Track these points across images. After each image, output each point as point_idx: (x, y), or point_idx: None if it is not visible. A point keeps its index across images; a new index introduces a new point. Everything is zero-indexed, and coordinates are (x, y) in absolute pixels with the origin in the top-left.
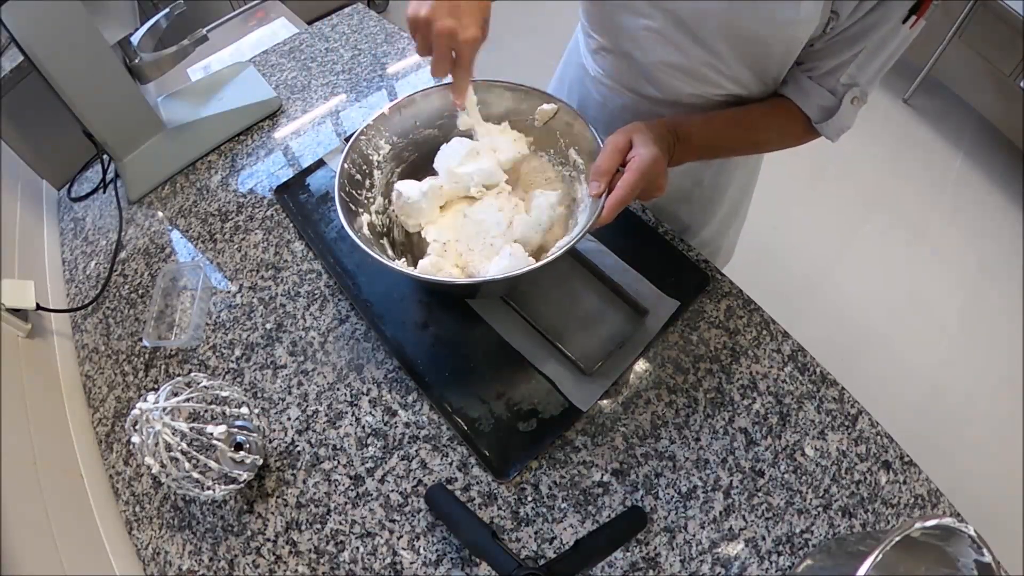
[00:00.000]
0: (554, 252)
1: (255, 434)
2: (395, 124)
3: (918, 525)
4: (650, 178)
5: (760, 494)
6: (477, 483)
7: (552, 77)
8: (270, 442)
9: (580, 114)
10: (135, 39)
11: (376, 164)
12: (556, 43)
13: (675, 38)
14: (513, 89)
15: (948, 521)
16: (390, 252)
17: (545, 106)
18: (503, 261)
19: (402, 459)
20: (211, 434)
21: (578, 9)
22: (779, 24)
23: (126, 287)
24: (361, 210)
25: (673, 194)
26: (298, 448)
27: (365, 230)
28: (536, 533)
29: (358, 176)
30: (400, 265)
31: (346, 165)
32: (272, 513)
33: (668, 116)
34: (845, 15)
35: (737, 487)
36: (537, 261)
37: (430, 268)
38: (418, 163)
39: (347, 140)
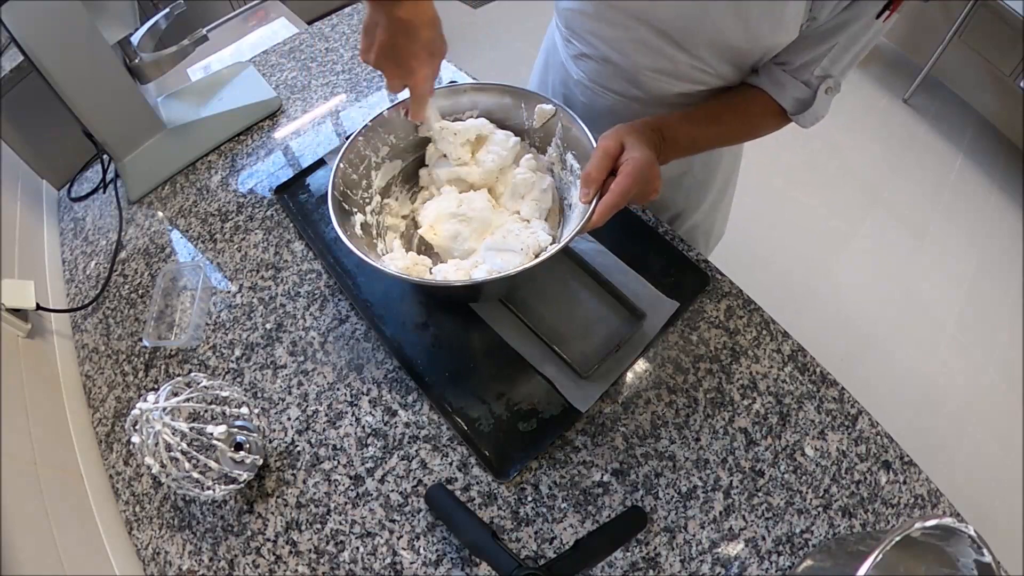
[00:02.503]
0: (545, 253)
1: (255, 434)
2: (396, 126)
3: (918, 525)
4: (644, 181)
5: (760, 494)
6: (477, 483)
7: (530, 78)
8: (270, 442)
9: (577, 119)
10: (135, 39)
11: (374, 165)
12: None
13: (659, 46)
14: (512, 92)
15: (948, 521)
16: (382, 250)
17: (544, 106)
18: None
19: (402, 459)
20: (211, 434)
21: (553, 12)
22: (761, 35)
23: (126, 287)
24: (355, 210)
25: (665, 182)
26: (298, 448)
27: (357, 229)
28: (536, 533)
29: (355, 176)
30: (391, 268)
31: (342, 165)
32: (272, 513)
33: (651, 117)
34: (823, 17)
35: (737, 487)
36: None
37: (410, 264)
38: (417, 165)
39: (347, 139)
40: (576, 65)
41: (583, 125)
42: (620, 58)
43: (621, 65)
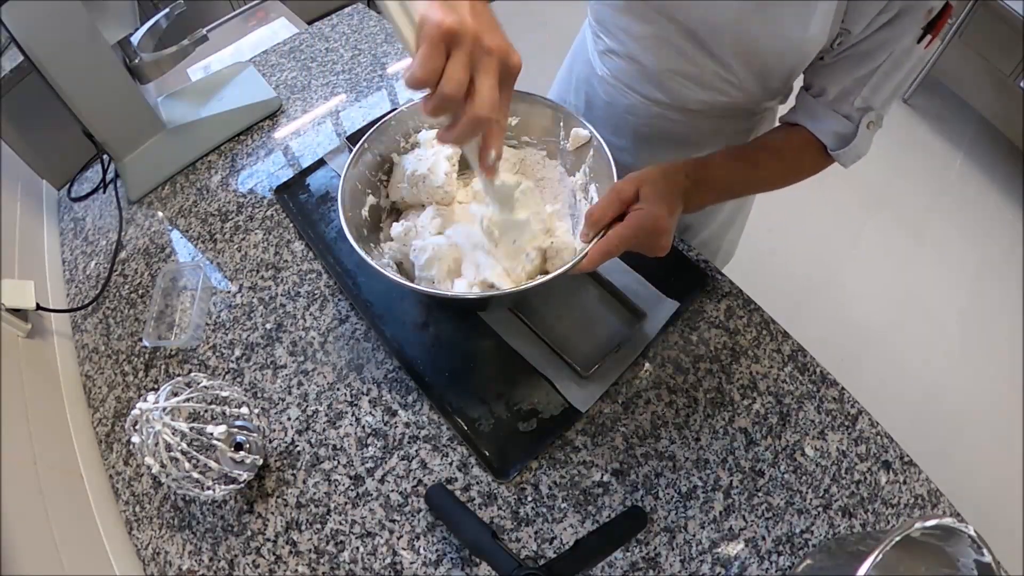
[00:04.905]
0: (534, 281)
1: (255, 434)
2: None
3: (918, 525)
4: (646, 236)
5: (760, 494)
6: (477, 483)
7: (558, 72)
8: (270, 442)
9: (611, 156)
10: (135, 39)
11: (401, 150)
12: (561, 40)
13: (684, 48)
14: (554, 108)
15: (948, 521)
16: (384, 237)
17: (581, 131)
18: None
19: (402, 459)
20: (211, 434)
21: (586, 7)
22: (789, 40)
23: (126, 287)
24: (369, 191)
25: None
26: (298, 448)
27: (365, 211)
28: (536, 533)
29: (378, 158)
30: (399, 277)
31: (366, 145)
32: (272, 513)
33: (683, 160)
34: (857, 32)
35: (737, 487)
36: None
37: (399, 239)
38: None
39: (369, 127)
40: (602, 61)
41: (612, 161)
42: (646, 57)
43: (646, 65)
